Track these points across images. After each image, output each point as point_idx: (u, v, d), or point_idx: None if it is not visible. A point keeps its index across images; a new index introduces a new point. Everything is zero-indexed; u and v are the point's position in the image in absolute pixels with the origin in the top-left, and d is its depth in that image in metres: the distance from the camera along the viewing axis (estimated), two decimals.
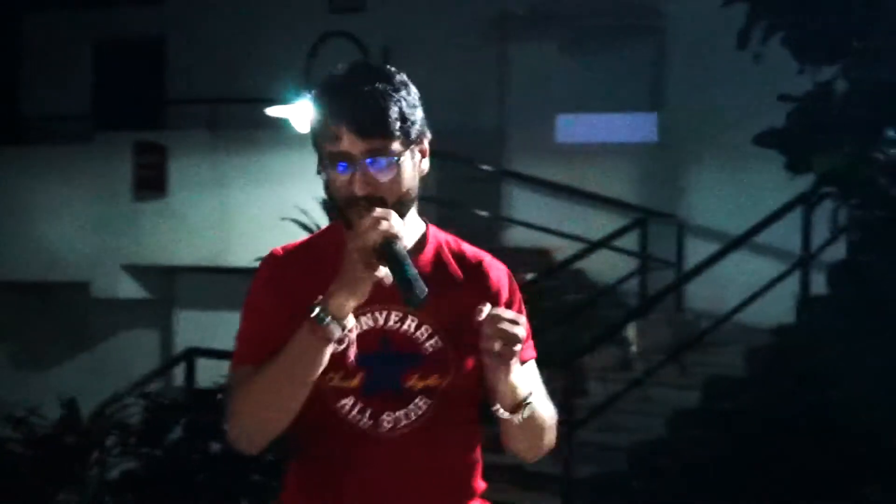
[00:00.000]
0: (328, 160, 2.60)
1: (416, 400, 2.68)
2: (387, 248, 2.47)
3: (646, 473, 7.63)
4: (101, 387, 8.79)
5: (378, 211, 2.50)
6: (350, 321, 2.56)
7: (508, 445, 2.80)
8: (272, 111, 9.79)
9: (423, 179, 9.13)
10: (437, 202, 11.24)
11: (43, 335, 12.87)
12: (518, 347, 2.54)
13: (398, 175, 2.60)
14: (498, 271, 2.82)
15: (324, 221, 9.72)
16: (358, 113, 2.56)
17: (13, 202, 12.47)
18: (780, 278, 9.18)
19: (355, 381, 2.66)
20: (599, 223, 10.98)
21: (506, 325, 2.52)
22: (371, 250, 2.47)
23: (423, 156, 2.71)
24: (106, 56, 14.04)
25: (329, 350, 2.56)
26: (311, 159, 9.11)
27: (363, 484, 2.67)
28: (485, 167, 11.80)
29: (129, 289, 12.59)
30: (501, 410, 2.66)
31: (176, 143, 12.21)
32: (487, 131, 12.30)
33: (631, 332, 9.38)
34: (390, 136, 2.57)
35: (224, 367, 5.89)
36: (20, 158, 12.78)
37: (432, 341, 2.69)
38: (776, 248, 9.95)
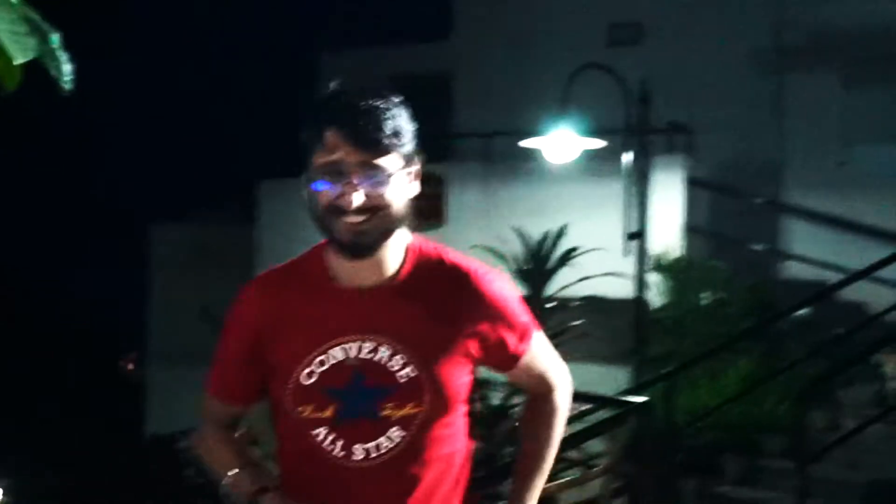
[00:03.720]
0: (318, 170, 2.52)
1: (391, 431, 2.62)
2: None
3: None
4: None
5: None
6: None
7: None
8: (527, 143, 9.92)
9: (696, 210, 8.97)
10: (708, 234, 11.14)
11: None
12: None
13: (388, 191, 2.53)
14: (476, 283, 2.70)
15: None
16: (356, 124, 2.50)
17: (298, 233, 12.96)
18: None
19: (328, 412, 2.62)
20: (879, 256, 10.60)
21: None
22: None
23: (415, 178, 2.63)
24: (398, 92, 14.51)
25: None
26: (566, 190, 9.29)
27: None
28: (759, 200, 11.59)
29: None
30: None
31: (453, 174, 12.50)
32: (764, 163, 12.10)
33: (890, 366, 9.01)
34: (384, 150, 2.52)
35: None
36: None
37: (407, 370, 2.61)
38: None
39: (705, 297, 10.09)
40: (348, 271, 2.62)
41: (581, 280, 9.33)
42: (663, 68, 11.95)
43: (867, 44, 11.66)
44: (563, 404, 2.90)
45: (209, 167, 14.40)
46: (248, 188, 13.33)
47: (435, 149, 13.53)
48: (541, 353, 2.84)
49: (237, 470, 2.68)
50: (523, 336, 2.75)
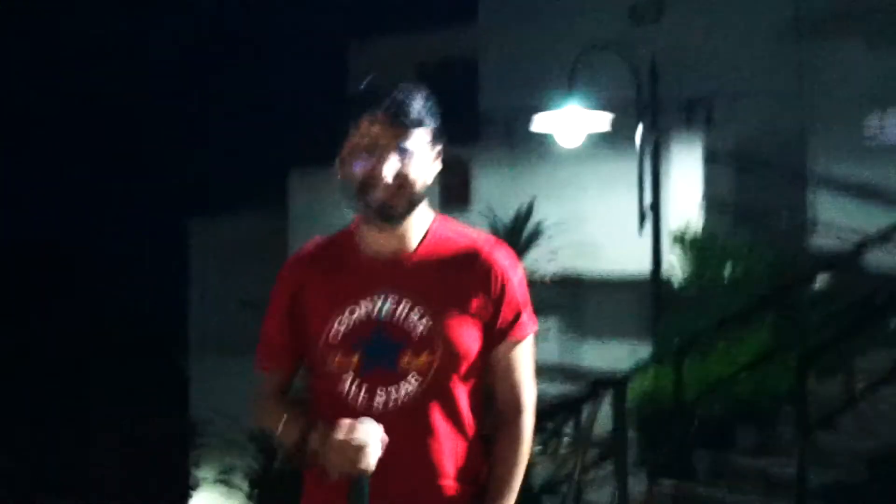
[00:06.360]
0: (355, 149, 2.87)
1: (408, 377, 2.89)
2: (354, 480, 2.77)
3: (888, 482, 7.31)
4: None
5: (358, 437, 2.75)
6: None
7: None
8: (537, 124, 10.00)
9: (719, 184, 8.98)
10: (731, 208, 11.12)
11: None
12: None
13: (414, 166, 2.87)
14: (484, 259, 2.96)
15: None
16: (388, 106, 2.84)
17: (330, 221, 13.03)
18: None
19: (353, 363, 2.91)
20: None
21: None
22: (343, 472, 2.77)
23: (438, 158, 2.96)
24: (427, 77, 14.64)
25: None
26: (585, 169, 9.24)
27: None
28: (782, 171, 11.55)
29: None
30: None
31: (479, 157, 12.60)
32: (789, 134, 12.04)
33: None
34: (407, 129, 2.85)
35: None
36: None
37: (422, 322, 2.89)
38: None
39: (726, 271, 10.11)
40: (375, 242, 2.94)
41: (551, 255, 9.39)
42: (686, 42, 11.96)
43: (891, 6, 11.53)
44: (529, 430, 3.03)
45: (243, 160, 14.57)
46: (282, 180, 13.49)
47: (462, 133, 13.71)
48: (523, 361, 3.03)
49: (284, 419, 2.94)
50: (516, 317, 2.97)
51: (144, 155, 15.43)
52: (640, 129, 10.27)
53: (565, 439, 6.96)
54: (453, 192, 12.37)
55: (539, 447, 6.78)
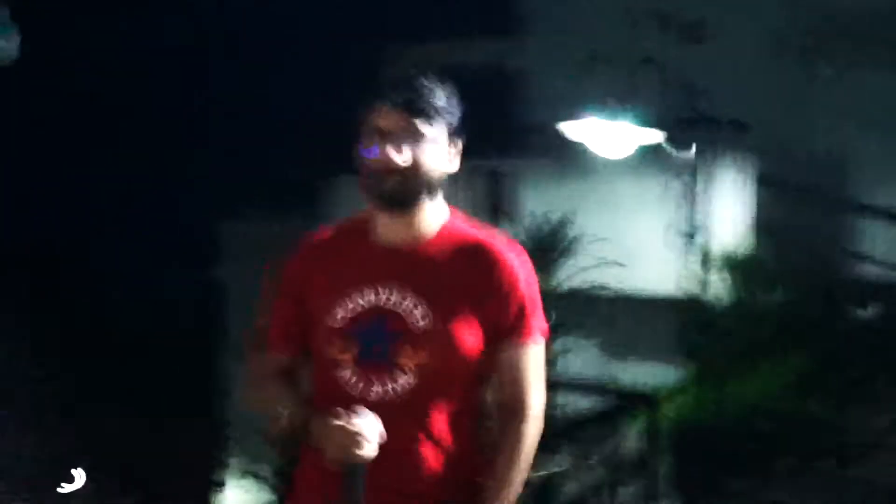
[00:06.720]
0: (371, 133, 2.93)
1: (405, 374, 2.89)
2: (349, 469, 2.75)
3: None
4: None
5: (357, 426, 2.74)
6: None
7: None
8: (581, 137, 9.87)
9: (763, 209, 8.85)
10: (775, 233, 10.93)
11: None
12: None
13: (428, 155, 2.92)
14: (492, 255, 2.98)
15: None
16: (407, 94, 2.93)
17: None
18: None
19: (351, 353, 2.93)
20: None
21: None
22: (340, 459, 2.76)
23: (456, 154, 3.02)
24: (467, 85, 14.46)
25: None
26: (627, 185, 8.96)
27: None
28: (829, 197, 11.35)
29: None
30: None
31: (519, 170, 12.48)
32: (826, 157, 11.83)
33: None
34: (429, 119, 2.92)
35: None
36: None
37: (425, 320, 2.89)
38: None
39: (768, 295, 9.96)
40: (386, 230, 2.97)
41: (582, 270, 9.18)
42: (734, 62, 11.77)
43: None
44: (530, 438, 2.98)
45: (279, 165, 14.48)
46: (312, 185, 13.41)
47: (502, 144, 13.59)
48: (530, 365, 2.98)
49: (284, 404, 2.94)
50: (522, 317, 2.94)
51: (181, 159, 15.39)
52: (686, 147, 10.13)
53: (595, 457, 6.78)
54: (493, 202, 12.25)
55: (569, 464, 6.62)
